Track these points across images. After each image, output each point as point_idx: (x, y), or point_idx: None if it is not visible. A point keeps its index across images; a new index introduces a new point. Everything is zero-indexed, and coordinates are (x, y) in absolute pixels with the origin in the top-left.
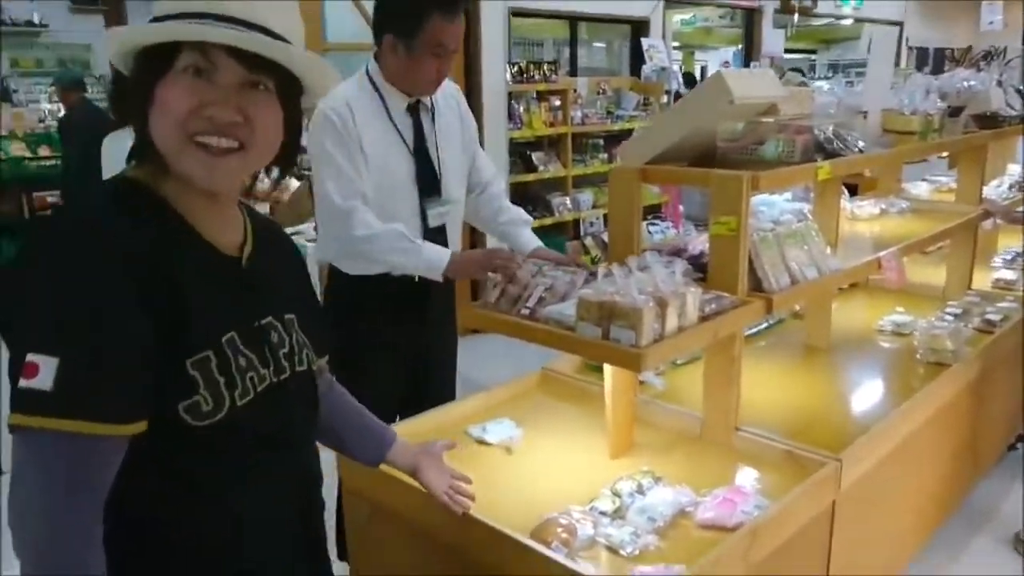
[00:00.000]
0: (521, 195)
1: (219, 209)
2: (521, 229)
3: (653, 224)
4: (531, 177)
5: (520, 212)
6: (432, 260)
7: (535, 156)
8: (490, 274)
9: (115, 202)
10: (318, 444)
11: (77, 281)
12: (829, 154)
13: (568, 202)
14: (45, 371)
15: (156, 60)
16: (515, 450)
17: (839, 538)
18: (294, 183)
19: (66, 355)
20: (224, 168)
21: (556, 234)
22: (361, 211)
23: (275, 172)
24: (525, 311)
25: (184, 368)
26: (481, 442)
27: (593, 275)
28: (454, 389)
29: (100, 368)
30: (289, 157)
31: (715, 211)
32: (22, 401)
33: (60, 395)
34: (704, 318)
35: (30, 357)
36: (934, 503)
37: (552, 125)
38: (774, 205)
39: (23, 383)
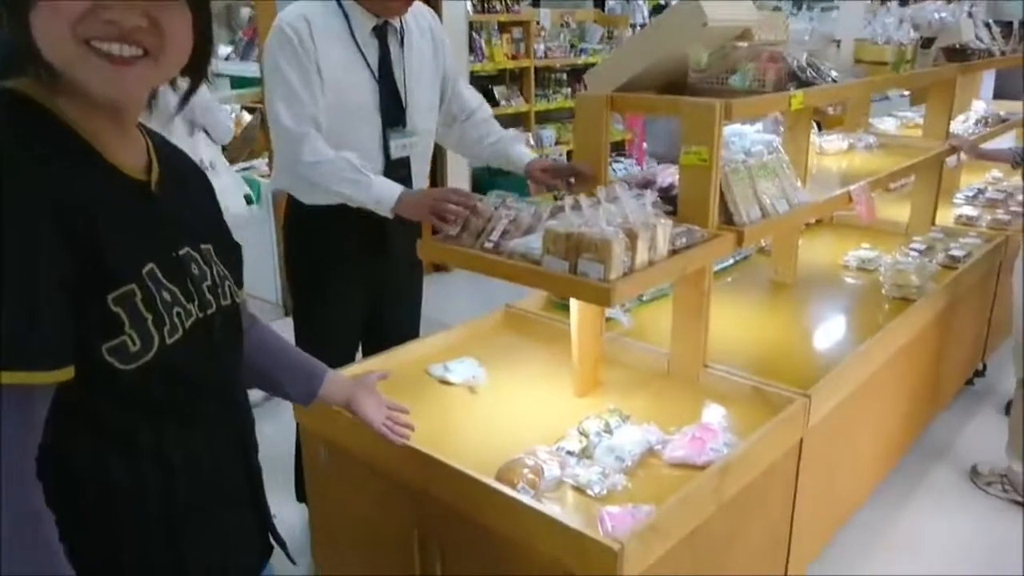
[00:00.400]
0: None
1: (122, 128)
2: (512, 144)
3: (616, 162)
4: (493, 112)
5: (510, 130)
6: (382, 195)
7: (497, 90)
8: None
9: (6, 123)
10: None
11: None
12: (802, 83)
13: (530, 138)
14: None
15: None
16: (479, 390)
17: (805, 473)
18: (246, 116)
19: None
20: (130, 79)
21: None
22: (312, 137)
23: (184, 84)
24: (488, 245)
25: (106, 305)
26: (444, 382)
27: (560, 208)
28: (418, 327)
29: (28, 312)
30: (199, 66)
31: (686, 140)
32: None
33: None
34: (674, 252)
35: None
36: (895, 437)
37: (515, 58)
38: (745, 136)
39: None
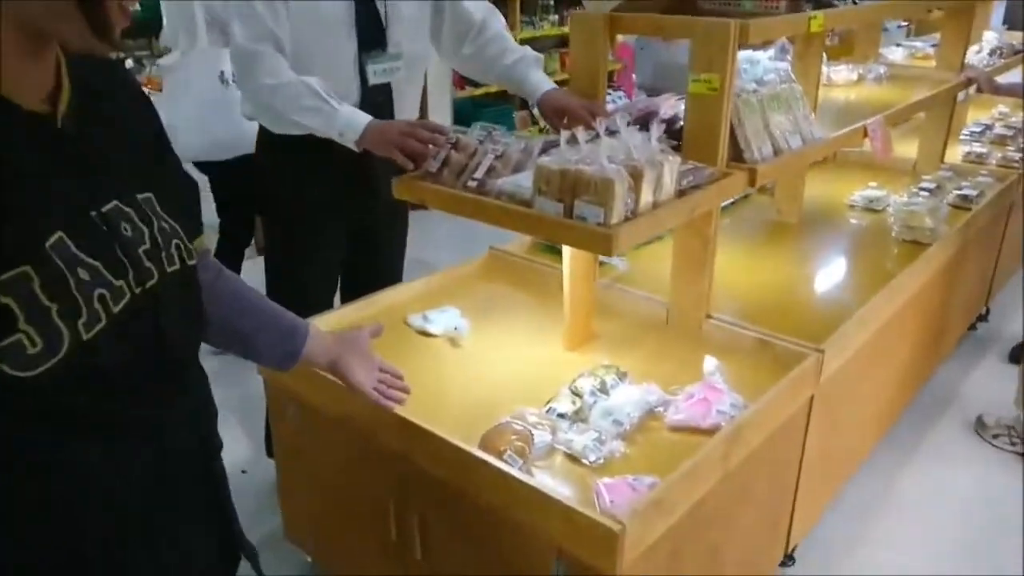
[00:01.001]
0: None
1: (34, 43)
2: (531, 69)
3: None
4: None
5: (527, 50)
6: (347, 126)
7: None
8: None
9: None
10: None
11: None
12: (819, 5)
13: None
14: None
15: None
16: (461, 342)
17: (814, 432)
18: None
19: None
20: None
21: (502, 103)
22: (267, 56)
23: None
24: (472, 183)
25: None
26: (423, 333)
27: (554, 142)
28: (401, 274)
29: None
30: None
31: (695, 66)
32: None
33: None
34: (680, 192)
35: None
36: (900, 389)
37: None
38: (758, 63)
39: None
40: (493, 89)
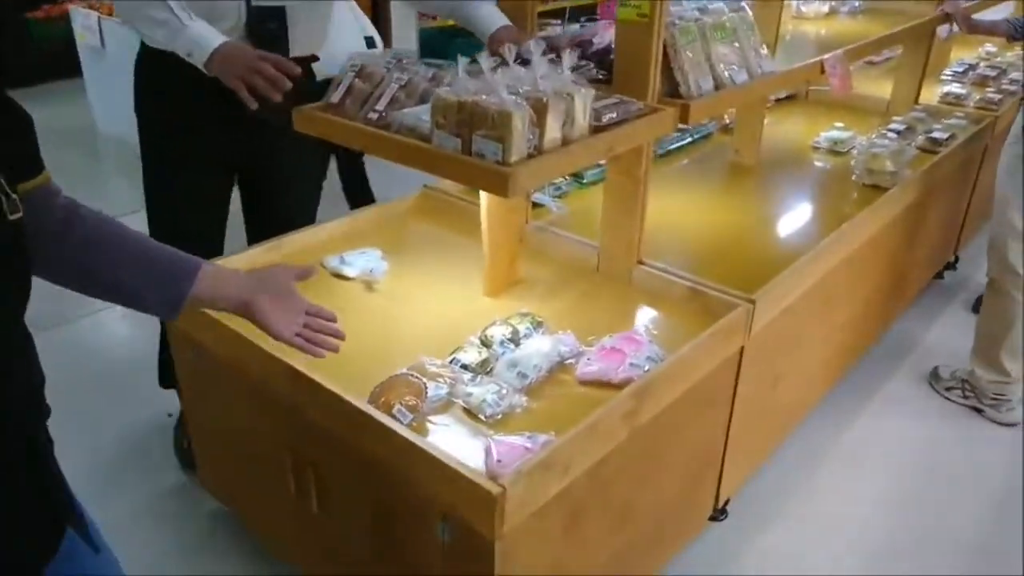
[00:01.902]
0: None
1: None
2: (481, 3)
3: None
4: None
5: None
6: (195, 46)
7: None
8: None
9: None
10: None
11: None
12: None
13: None
14: None
15: None
16: (376, 286)
17: (744, 385)
18: None
19: None
20: None
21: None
22: None
23: None
24: (373, 115)
25: None
26: (338, 275)
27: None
28: (314, 213)
29: None
30: None
31: None
32: None
33: None
34: (600, 128)
35: None
36: (852, 339)
37: None
38: None
39: None
40: None
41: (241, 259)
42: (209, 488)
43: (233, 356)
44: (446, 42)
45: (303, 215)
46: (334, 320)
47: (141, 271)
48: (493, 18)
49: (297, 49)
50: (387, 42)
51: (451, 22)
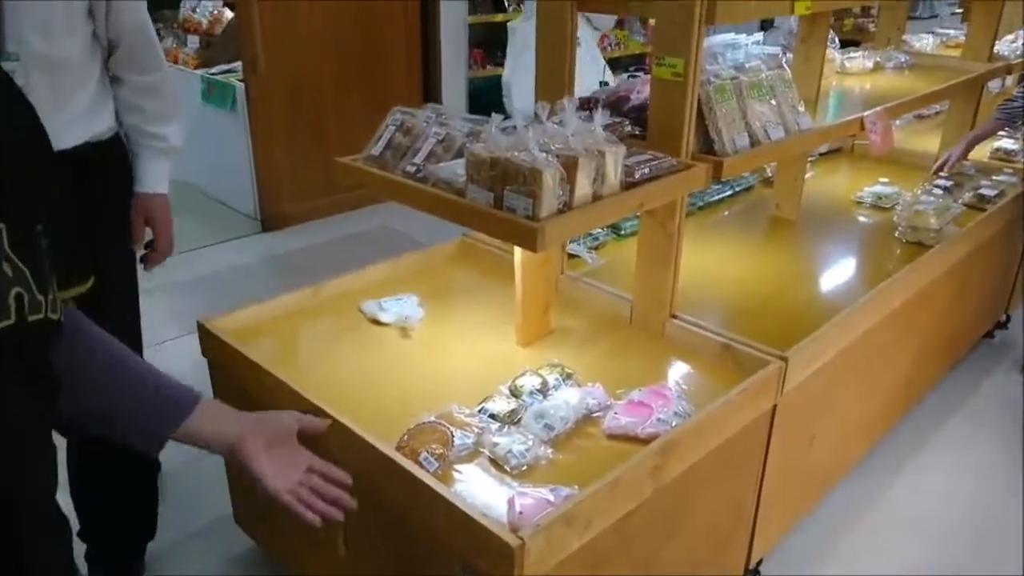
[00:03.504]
0: (485, 39)
1: None
2: (147, 158)
3: (634, 76)
4: (500, 18)
5: (168, 128)
6: None
7: None
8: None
9: None
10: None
11: None
12: None
13: None
14: None
15: None
16: (412, 333)
17: (777, 444)
18: (228, 13)
19: None
20: None
21: None
22: None
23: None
24: (411, 168)
25: None
26: (375, 321)
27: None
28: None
29: None
30: None
31: (658, 49)
32: None
33: None
34: (632, 184)
35: None
36: (893, 398)
37: None
38: (740, 47)
39: None
40: None
41: (280, 303)
42: (243, 526)
43: (267, 397)
44: (493, 91)
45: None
46: (346, 484)
47: (131, 404)
48: (145, 177)
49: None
50: (437, 93)
51: (500, 71)
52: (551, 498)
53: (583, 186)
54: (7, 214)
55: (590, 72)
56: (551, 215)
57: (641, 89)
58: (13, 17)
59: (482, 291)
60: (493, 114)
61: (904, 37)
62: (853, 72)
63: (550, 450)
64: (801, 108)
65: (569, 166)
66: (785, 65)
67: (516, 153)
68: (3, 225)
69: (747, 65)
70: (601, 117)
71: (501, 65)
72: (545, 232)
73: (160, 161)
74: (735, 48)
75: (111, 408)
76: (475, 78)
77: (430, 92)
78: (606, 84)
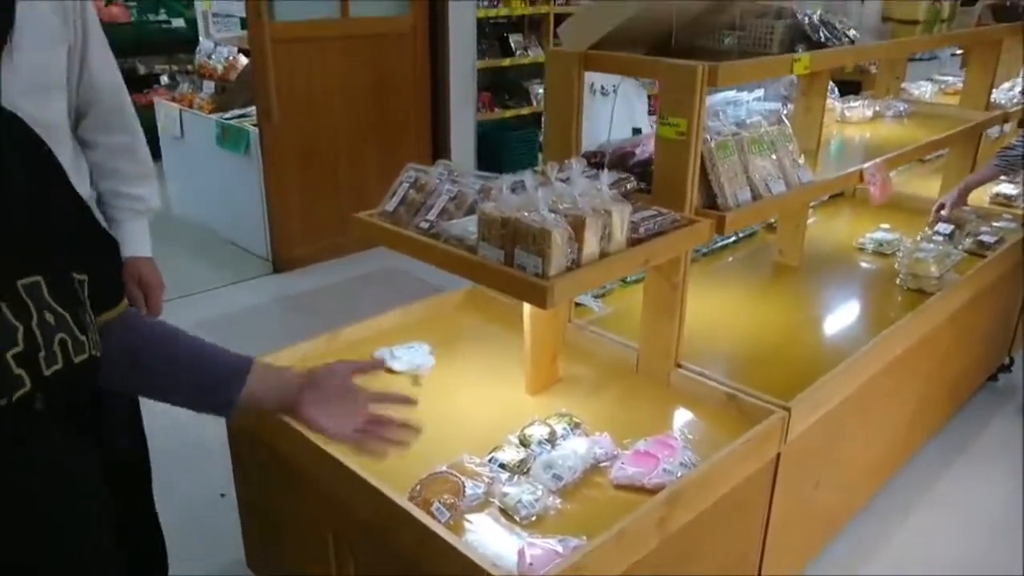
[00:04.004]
0: (495, 82)
1: None
2: (126, 220)
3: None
4: (507, 62)
5: (148, 190)
6: None
7: (512, 39)
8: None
9: None
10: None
11: None
12: (813, 44)
13: None
14: None
15: None
16: (423, 381)
17: (782, 493)
18: (243, 59)
19: None
20: None
21: (528, 126)
22: None
23: None
24: (424, 224)
25: None
26: (388, 370)
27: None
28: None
29: None
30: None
31: (664, 109)
32: None
33: None
34: (638, 240)
35: None
36: (896, 444)
37: (533, 4)
38: (741, 104)
39: None
40: (525, 111)
41: (296, 352)
42: (256, 570)
43: (284, 445)
44: (501, 133)
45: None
46: (411, 403)
47: (197, 378)
48: (132, 240)
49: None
50: (446, 136)
51: (510, 115)
52: (560, 549)
53: (591, 244)
54: (46, 266)
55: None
56: (560, 273)
57: (646, 144)
58: (8, 80)
59: (491, 338)
60: (503, 175)
61: (903, 85)
62: (853, 121)
63: (559, 500)
64: (801, 161)
65: (577, 226)
66: (785, 119)
67: (526, 213)
68: (40, 277)
69: (748, 121)
70: (607, 177)
71: (508, 108)
72: (554, 290)
73: (141, 223)
74: (736, 105)
75: (176, 382)
76: (483, 121)
77: (439, 135)
78: (639, 130)
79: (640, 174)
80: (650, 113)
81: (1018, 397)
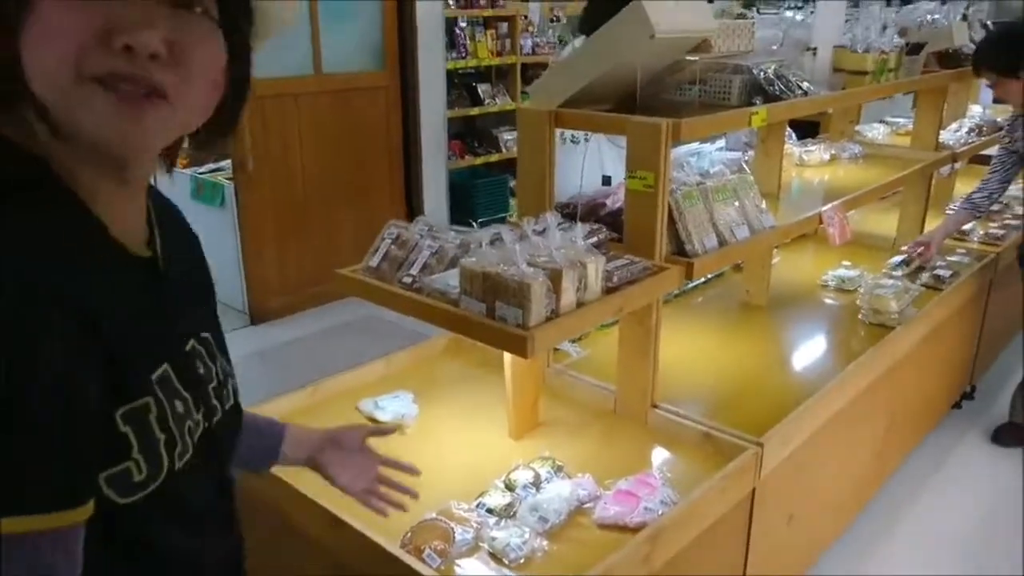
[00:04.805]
0: (466, 130)
1: (127, 191)
2: None
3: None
4: (476, 111)
5: None
6: None
7: (481, 88)
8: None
9: None
10: None
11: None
12: (769, 97)
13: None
14: None
15: None
16: (408, 430)
17: (759, 526)
18: None
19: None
20: (142, 122)
21: (498, 173)
22: None
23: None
24: (407, 279)
25: (113, 424)
26: (372, 420)
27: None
28: None
29: (52, 440)
30: (228, 119)
31: (631, 163)
32: None
33: (14, 487)
34: (612, 288)
35: None
36: (867, 474)
37: (500, 55)
38: (704, 155)
39: None
40: (494, 158)
41: (284, 402)
42: None
43: (274, 497)
44: (471, 180)
45: None
46: (414, 473)
47: (250, 436)
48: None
49: None
50: (419, 185)
51: (479, 162)
52: None
53: (568, 294)
54: (211, 326)
55: (595, 165)
56: (539, 323)
57: (616, 195)
58: None
59: (473, 383)
60: (481, 228)
61: (857, 127)
62: (812, 164)
63: (545, 542)
64: (763, 206)
65: (554, 278)
66: (746, 167)
67: (505, 267)
68: (210, 333)
69: (712, 171)
70: (581, 229)
71: (478, 155)
72: (535, 340)
73: None
74: (700, 156)
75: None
76: (455, 169)
77: (412, 185)
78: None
79: (611, 224)
80: None
81: (981, 422)
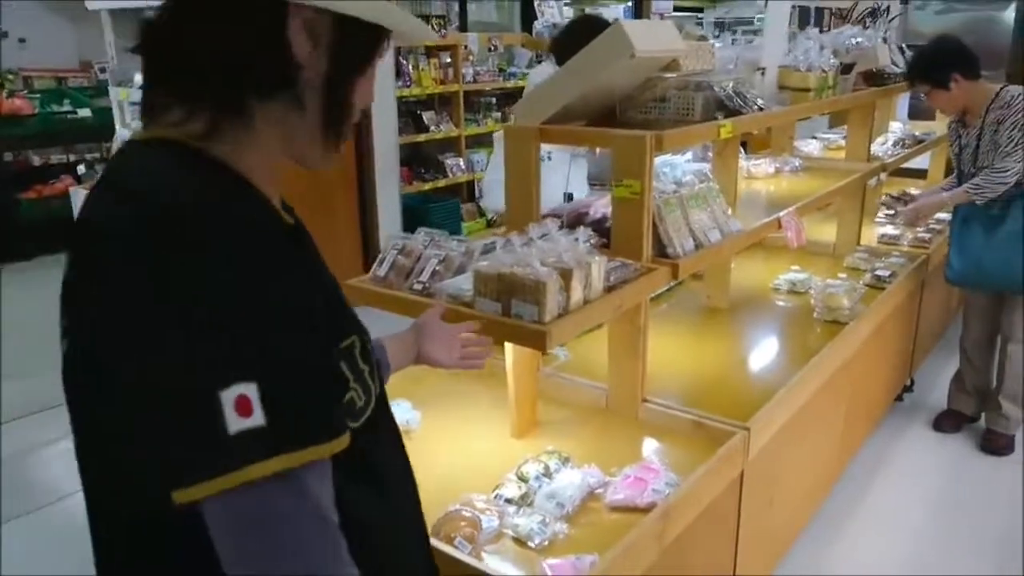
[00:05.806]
0: (413, 157)
1: (277, 184)
2: None
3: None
4: (422, 138)
5: None
6: None
7: (426, 116)
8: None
9: (225, 186)
10: None
11: (258, 280)
12: (730, 112)
13: (462, 163)
14: (254, 402)
15: (373, 41)
16: (413, 435)
17: (747, 507)
18: None
19: (267, 374)
20: None
21: (449, 196)
22: None
23: None
24: (418, 286)
25: (336, 360)
26: None
27: (492, 246)
28: None
29: (308, 375)
30: None
31: (617, 173)
32: (245, 448)
33: (280, 425)
34: (609, 288)
35: (235, 389)
36: (832, 460)
37: (443, 83)
38: (676, 166)
39: (239, 425)
40: (441, 183)
41: None
42: None
43: None
44: (424, 204)
45: None
46: (483, 342)
47: None
48: None
49: None
50: (373, 209)
51: (428, 187)
52: (578, 565)
53: (577, 292)
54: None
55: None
56: (553, 319)
57: (596, 205)
58: None
59: (469, 391)
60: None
61: (795, 144)
62: (759, 176)
63: (564, 525)
64: (729, 212)
65: (565, 276)
66: (712, 178)
67: (520, 268)
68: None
69: (684, 180)
70: (584, 234)
71: (426, 180)
72: (552, 334)
73: None
74: (672, 167)
75: None
76: (406, 194)
77: (366, 208)
78: (570, 196)
79: (596, 230)
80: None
81: (924, 413)
